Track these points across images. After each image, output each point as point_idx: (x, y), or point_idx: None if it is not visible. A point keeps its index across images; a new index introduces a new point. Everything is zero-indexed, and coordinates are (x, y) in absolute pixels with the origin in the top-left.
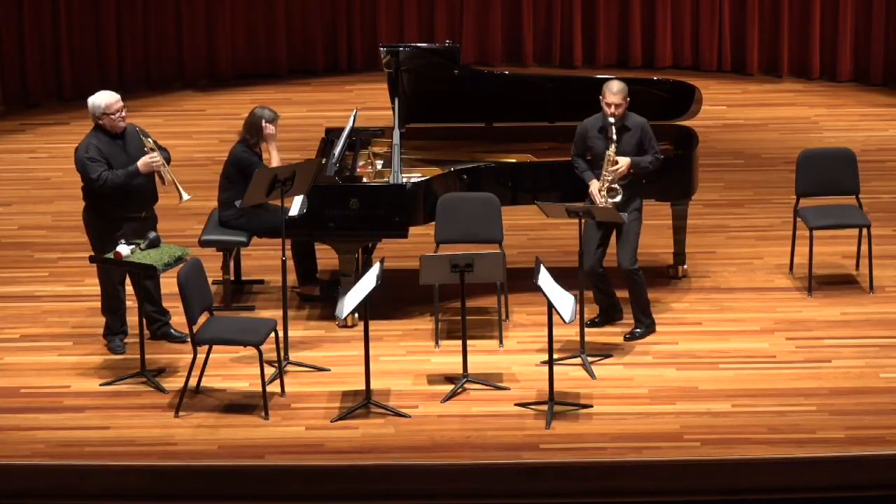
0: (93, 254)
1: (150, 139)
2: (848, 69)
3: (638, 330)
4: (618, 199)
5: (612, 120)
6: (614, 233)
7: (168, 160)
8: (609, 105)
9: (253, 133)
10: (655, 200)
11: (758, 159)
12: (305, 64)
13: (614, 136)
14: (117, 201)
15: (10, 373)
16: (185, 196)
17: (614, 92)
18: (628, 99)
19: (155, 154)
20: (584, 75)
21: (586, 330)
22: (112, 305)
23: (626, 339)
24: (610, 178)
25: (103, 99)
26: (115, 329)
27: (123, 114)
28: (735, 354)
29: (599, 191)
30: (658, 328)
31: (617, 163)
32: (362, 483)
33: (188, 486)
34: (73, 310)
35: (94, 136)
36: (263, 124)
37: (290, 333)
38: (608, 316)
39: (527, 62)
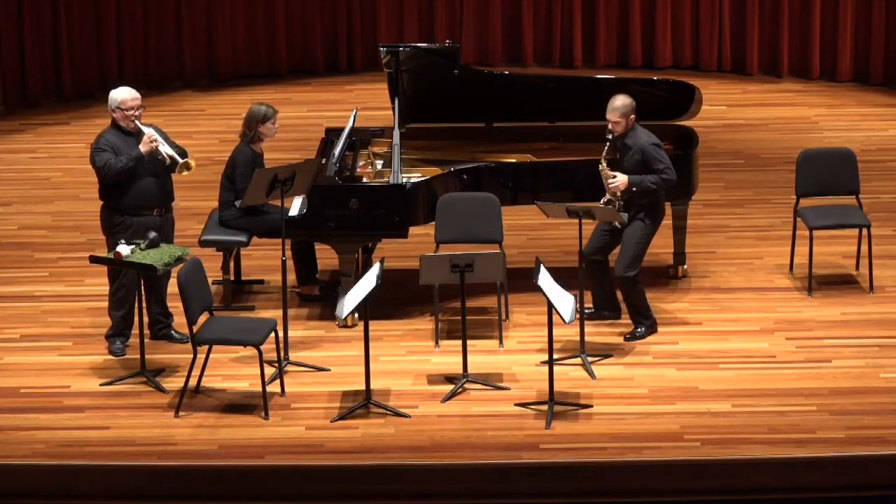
0: (93, 253)
1: (164, 145)
2: (848, 69)
3: (639, 330)
4: (613, 205)
5: (609, 136)
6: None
7: (183, 155)
8: (608, 121)
9: (251, 127)
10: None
11: (758, 159)
12: (305, 64)
13: (604, 152)
14: (128, 197)
15: (10, 373)
16: (188, 161)
17: (612, 108)
18: (633, 117)
19: (150, 131)
20: (584, 75)
21: (586, 329)
22: (122, 305)
23: (626, 339)
24: (609, 192)
25: (120, 94)
26: (118, 331)
27: (137, 113)
28: (735, 354)
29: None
30: (658, 328)
31: (610, 177)
32: (362, 483)
33: (188, 486)
34: (73, 310)
35: (108, 130)
36: (264, 125)
37: (290, 333)
38: (601, 308)
39: (527, 62)
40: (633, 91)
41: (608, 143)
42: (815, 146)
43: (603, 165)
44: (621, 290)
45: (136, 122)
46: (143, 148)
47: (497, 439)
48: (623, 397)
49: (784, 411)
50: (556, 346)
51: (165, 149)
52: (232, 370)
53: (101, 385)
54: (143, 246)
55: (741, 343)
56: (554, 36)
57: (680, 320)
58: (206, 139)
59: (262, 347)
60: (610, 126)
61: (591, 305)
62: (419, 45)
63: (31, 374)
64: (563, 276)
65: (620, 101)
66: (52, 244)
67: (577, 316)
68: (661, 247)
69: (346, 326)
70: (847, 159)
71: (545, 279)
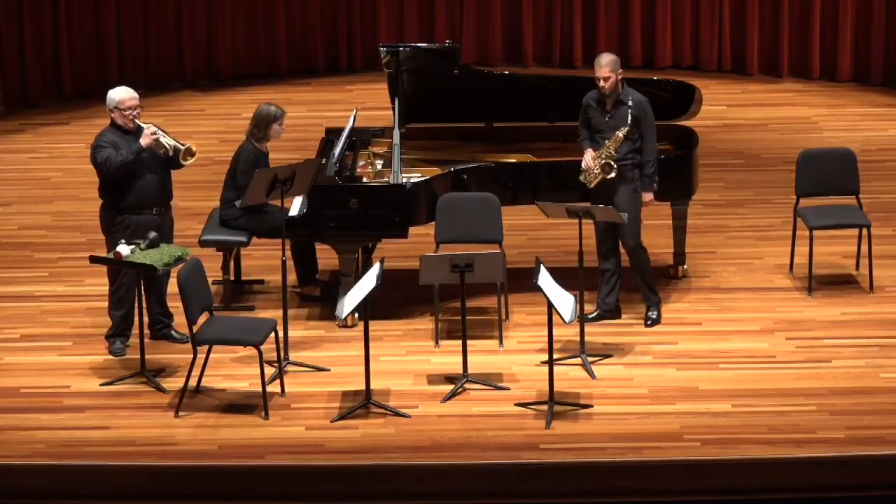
0: (93, 253)
1: (165, 136)
2: (848, 69)
3: (653, 315)
4: (612, 175)
5: (607, 92)
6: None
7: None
8: (598, 79)
9: (261, 127)
10: (656, 200)
11: (758, 159)
12: (305, 64)
13: (628, 120)
14: (128, 195)
15: (10, 373)
16: (191, 147)
17: (601, 65)
18: (620, 71)
19: (151, 126)
20: (584, 75)
21: (586, 329)
22: (122, 304)
23: (647, 325)
24: (610, 153)
25: (118, 94)
26: (118, 331)
27: (136, 112)
28: (735, 354)
29: (594, 159)
30: (658, 328)
31: (620, 140)
32: (362, 483)
33: (188, 486)
34: (73, 310)
35: (108, 130)
36: (272, 126)
37: (290, 333)
38: (603, 309)
39: (527, 62)
40: None
41: (608, 103)
42: (815, 146)
43: (623, 132)
44: (636, 262)
45: (136, 121)
46: (143, 141)
47: (497, 439)
48: (623, 397)
49: (784, 411)
50: (556, 346)
51: (167, 139)
52: (232, 370)
53: (101, 385)
54: (143, 246)
55: (741, 343)
56: (554, 36)
57: (680, 320)
58: (207, 139)
59: (262, 347)
60: (602, 83)
61: (590, 311)
62: (419, 45)
63: (31, 374)
64: (563, 276)
65: (606, 58)
66: (52, 244)
67: (577, 316)
68: (661, 247)
69: (346, 326)
70: (847, 159)
71: (545, 279)
